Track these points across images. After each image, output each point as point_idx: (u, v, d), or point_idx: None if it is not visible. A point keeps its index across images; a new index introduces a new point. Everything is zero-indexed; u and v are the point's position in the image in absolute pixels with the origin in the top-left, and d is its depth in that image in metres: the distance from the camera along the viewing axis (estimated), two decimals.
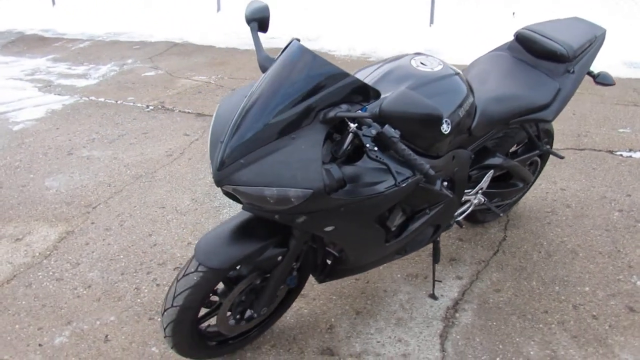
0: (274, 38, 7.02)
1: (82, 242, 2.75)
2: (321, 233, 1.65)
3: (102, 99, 4.92)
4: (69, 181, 3.39)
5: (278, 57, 1.59)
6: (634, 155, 3.48)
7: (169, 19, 7.79)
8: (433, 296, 2.27)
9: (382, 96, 1.57)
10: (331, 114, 1.47)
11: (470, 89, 1.90)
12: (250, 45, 6.81)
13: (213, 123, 1.63)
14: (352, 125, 1.47)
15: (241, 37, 7.14)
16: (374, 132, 1.52)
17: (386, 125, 1.49)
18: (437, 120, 1.27)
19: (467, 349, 2.01)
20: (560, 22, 2.40)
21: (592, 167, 3.34)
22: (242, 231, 1.69)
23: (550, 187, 3.11)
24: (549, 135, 2.53)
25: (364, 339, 2.07)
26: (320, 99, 1.47)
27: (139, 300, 2.32)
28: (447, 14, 6.74)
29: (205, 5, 8.02)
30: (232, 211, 2.98)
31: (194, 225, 2.86)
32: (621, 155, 3.50)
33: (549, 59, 2.20)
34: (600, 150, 3.57)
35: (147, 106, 4.69)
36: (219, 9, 7.90)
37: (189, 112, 4.52)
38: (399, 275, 2.41)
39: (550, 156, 2.71)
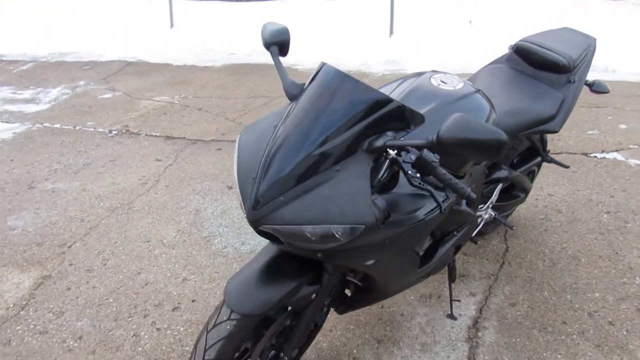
0: (233, 54, 6.89)
1: (62, 287, 2.51)
2: (361, 267, 1.55)
3: (58, 125, 4.60)
4: (35, 219, 3.11)
5: (310, 84, 1.49)
6: (606, 156, 3.60)
7: (118, 36, 7.45)
8: (452, 316, 2.21)
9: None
10: (378, 142, 1.37)
11: (492, 105, 1.86)
12: (210, 62, 6.63)
13: (237, 157, 1.51)
14: (392, 152, 1.39)
15: (198, 54, 6.94)
16: (413, 157, 1.44)
17: (425, 150, 1.42)
18: (503, 144, 1.21)
19: None
20: (554, 32, 2.43)
21: (572, 170, 3.41)
22: (272, 271, 1.57)
23: (538, 193, 3.15)
24: (546, 144, 2.55)
25: None
26: (365, 127, 1.38)
27: (140, 348, 2.13)
28: (406, 24, 6.82)
29: (157, 21, 7.74)
30: (223, 240, 2.83)
31: (185, 259, 2.68)
32: (595, 157, 3.60)
33: (551, 69, 2.22)
34: (575, 153, 3.66)
35: (110, 131, 4.43)
36: (172, 25, 7.65)
37: (156, 136, 4.29)
38: (412, 297, 2.35)
39: None
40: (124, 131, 4.41)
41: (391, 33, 6.73)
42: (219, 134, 4.27)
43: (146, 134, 4.33)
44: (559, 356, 2.01)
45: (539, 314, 2.23)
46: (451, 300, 2.22)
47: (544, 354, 2.02)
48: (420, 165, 1.43)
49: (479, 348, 2.06)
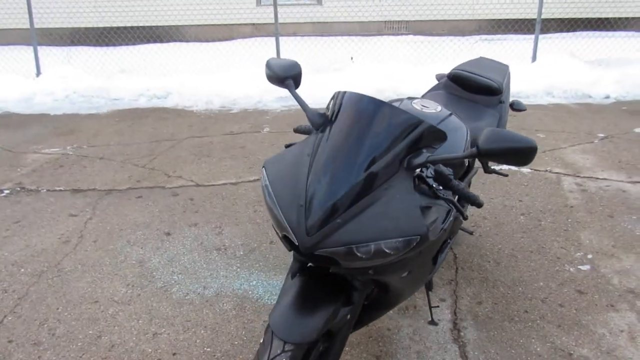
0: (117, 99, 6.55)
1: None
2: (396, 280, 1.63)
3: None
4: None
5: (339, 111, 1.55)
6: (502, 167, 4.13)
7: None
8: (433, 322, 2.37)
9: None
10: (419, 160, 1.48)
11: (466, 125, 2.09)
12: (93, 109, 6.23)
13: (272, 189, 1.51)
14: (417, 170, 1.52)
15: (76, 101, 6.49)
16: (432, 173, 1.59)
17: (440, 165, 1.58)
18: (535, 150, 1.39)
19: (486, 358, 2.15)
20: (477, 61, 2.80)
21: (481, 181, 3.87)
22: (309, 298, 1.57)
23: None
24: None
25: None
26: (405, 147, 1.49)
27: None
28: None
29: (21, 70, 7.06)
30: (182, 288, 2.68)
31: (148, 313, 2.49)
32: (494, 168, 4.11)
33: (484, 93, 2.55)
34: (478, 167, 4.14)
35: (1, 190, 3.92)
36: (38, 73, 7.03)
37: (61, 190, 3.91)
38: (392, 312, 2.46)
39: None
40: (19, 189, 3.94)
41: None
42: (133, 182, 4.03)
43: (48, 190, 3.92)
44: (533, 340, 2.26)
45: (503, 307, 2.49)
46: (430, 307, 2.37)
47: (521, 341, 2.26)
48: (438, 178, 1.59)
49: (467, 346, 2.24)
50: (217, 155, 4.58)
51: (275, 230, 1.57)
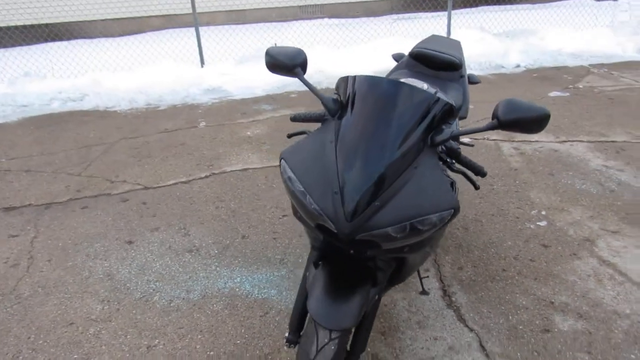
0: (27, 105, 6.00)
1: None
2: (419, 255, 1.66)
3: None
4: None
5: (354, 97, 1.54)
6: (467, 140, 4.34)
7: None
8: (425, 292, 2.44)
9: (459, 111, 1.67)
10: (442, 136, 1.51)
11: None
12: (1, 119, 5.64)
13: (299, 180, 1.47)
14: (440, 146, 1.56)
15: None
16: (444, 148, 1.64)
17: (450, 141, 1.64)
18: (548, 118, 1.47)
19: (485, 319, 2.28)
20: (434, 39, 2.90)
21: None
22: (341, 284, 1.57)
23: None
24: None
25: (410, 351, 2.12)
26: (427, 125, 1.51)
27: None
28: (214, 55, 6.92)
29: None
30: (164, 295, 2.55)
31: (134, 327, 2.34)
32: (462, 140, 4.31)
33: (447, 69, 2.65)
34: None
35: None
36: None
37: None
38: None
39: None
40: None
41: (202, 64, 6.74)
42: (73, 192, 3.74)
43: None
44: (517, 295, 2.43)
45: (482, 269, 2.64)
46: (420, 278, 2.46)
47: (507, 297, 2.42)
48: (450, 153, 1.64)
49: (461, 310, 2.35)
50: (158, 155, 4.36)
51: (303, 221, 1.54)
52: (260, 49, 6.97)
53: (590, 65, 6.63)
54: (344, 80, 1.63)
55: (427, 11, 8.99)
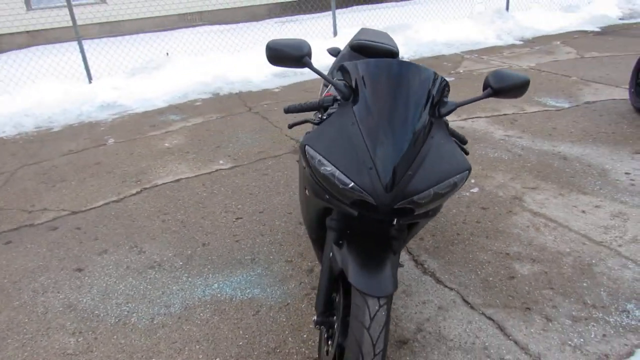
0: None
1: None
2: (428, 219, 1.81)
3: None
4: None
5: (364, 80, 1.63)
6: None
7: None
8: (400, 265, 2.64)
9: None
10: (448, 107, 1.67)
11: None
12: None
13: (332, 162, 1.53)
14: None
15: None
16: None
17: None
18: (528, 84, 1.72)
19: (459, 277, 2.52)
20: (366, 31, 3.07)
21: None
22: (372, 255, 1.66)
23: None
24: None
25: (406, 317, 2.28)
26: (435, 98, 1.65)
27: None
28: (101, 69, 6.50)
29: None
30: (142, 315, 2.42)
31: (122, 351, 2.20)
32: None
33: (385, 57, 2.85)
34: None
35: None
36: None
37: None
38: None
39: None
40: None
41: (90, 79, 6.30)
42: None
43: None
44: (477, 253, 2.72)
45: (440, 237, 2.90)
46: None
47: (470, 256, 2.69)
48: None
49: (436, 274, 2.57)
50: (73, 177, 4.03)
51: (336, 201, 1.60)
52: (152, 60, 6.70)
53: (462, 52, 7.41)
54: (348, 68, 1.72)
55: (305, 13, 9.31)
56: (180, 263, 2.81)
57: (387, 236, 1.75)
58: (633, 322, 2.19)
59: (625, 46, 7.12)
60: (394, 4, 9.64)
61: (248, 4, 9.25)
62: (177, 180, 3.82)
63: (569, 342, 2.10)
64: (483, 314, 2.29)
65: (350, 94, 1.66)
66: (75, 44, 6.55)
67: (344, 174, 1.52)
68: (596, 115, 4.53)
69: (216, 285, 2.60)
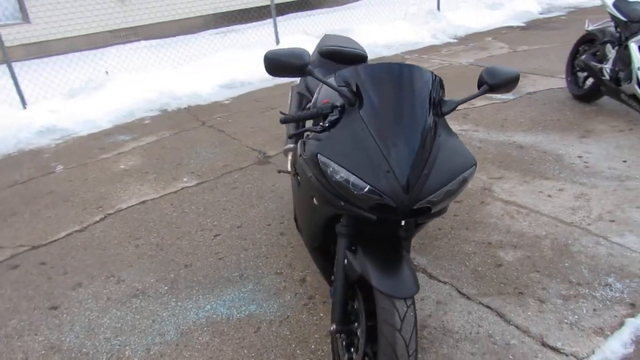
0: None
1: None
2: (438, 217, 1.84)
3: None
4: None
5: (367, 85, 1.63)
6: None
7: None
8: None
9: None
10: (449, 105, 1.70)
11: None
12: None
13: (348, 169, 1.53)
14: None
15: None
16: None
17: None
18: (519, 78, 1.80)
19: (450, 271, 2.59)
20: (329, 38, 3.08)
21: None
22: (389, 259, 1.68)
23: None
24: None
25: None
26: (436, 98, 1.68)
27: None
28: (35, 93, 6.12)
29: None
30: (134, 347, 2.30)
31: None
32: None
33: (356, 61, 2.87)
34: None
35: None
36: None
37: None
38: None
39: None
40: None
41: (24, 104, 5.91)
42: None
43: None
44: (462, 245, 2.80)
45: (423, 233, 2.96)
46: None
47: (456, 249, 2.77)
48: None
49: (427, 269, 2.63)
50: (25, 210, 3.76)
51: (353, 207, 1.60)
52: (91, 79, 6.40)
53: (402, 53, 7.63)
54: (350, 72, 1.73)
55: (242, 23, 9.25)
56: (165, 288, 2.69)
57: (396, 237, 1.77)
58: (617, 295, 2.33)
59: (550, 38, 7.61)
60: (330, 9, 9.78)
61: (182, 16, 9.06)
62: (143, 203, 3.66)
63: (565, 321, 2.21)
64: (480, 303, 2.36)
65: (356, 100, 1.66)
66: (2, 67, 6.13)
67: (362, 179, 1.52)
68: (540, 105, 4.81)
69: (209, 306, 2.52)
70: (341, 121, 1.67)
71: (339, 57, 2.86)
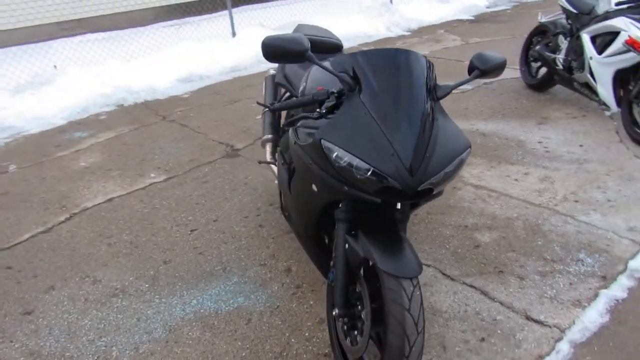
0: None
1: None
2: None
3: None
4: None
5: (368, 69, 1.65)
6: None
7: None
8: None
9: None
10: (444, 90, 1.74)
11: None
12: None
13: (353, 152, 1.54)
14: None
15: None
16: None
17: None
18: (506, 63, 1.87)
19: (432, 254, 2.66)
20: (304, 27, 3.07)
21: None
22: (391, 241, 1.71)
23: None
24: None
25: None
26: (430, 83, 1.72)
27: None
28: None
29: None
30: (125, 346, 2.23)
31: None
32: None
33: (332, 51, 2.88)
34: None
35: None
36: None
37: None
38: None
39: None
40: None
41: None
42: None
43: None
44: (440, 229, 2.88)
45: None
46: None
47: (434, 233, 2.85)
48: None
49: None
50: None
51: (357, 191, 1.61)
52: (38, 74, 6.08)
53: (359, 45, 7.69)
54: (348, 58, 1.74)
55: (194, 15, 9.03)
56: (146, 285, 2.62)
57: (392, 220, 1.81)
58: (589, 269, 2.48)
59: (499, 31, 7.90)
60: (286, 1, 9.70)
61: (131, 8, 8.73)
62: (110, 200, 3.53)
63: (545, 295, 2.33)
64: (464, 283, 2.44)
65: (356, 85, 1.68)
66: None
67: (367, 163, 1.55)
68: (497, 94, 5.00)
69: (195, 301, 2.47)
70: (342, 107, 1.69)
71: (316, 46, 2.85)
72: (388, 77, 1.66)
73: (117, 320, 2.39)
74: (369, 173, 1.55)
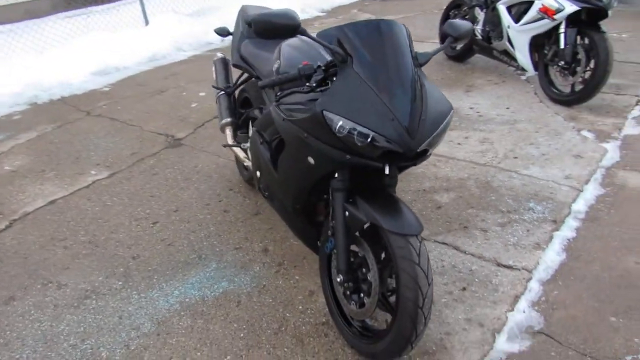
0: None
1: None
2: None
3: None
4: None
5: (357, 41, 1.69)
6: None
7: None
8: None
9: None
10: (425, 56, 1.83)
11: None
12: None
13: (354, 119, 1.60)
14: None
15: None
16: None
17: None
18: (473, 30, 2.00)
19: None
20: (251, 7, 3.02)
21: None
22: (388, 202, 1.80)
23: None
24: None
25: None
26: (412, 50, 1.80)
27: None
28: None
29: None
30: (112, 345, 2.14)
31: None
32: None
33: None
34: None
35: None
36: None
37: None
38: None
39: None
40: None
41: None
42: None
43: None
44: (400, 194, 3.02)
45: None
46: None
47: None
48: None
49: None
50: None
51: (360, 158, 1.67)
52: None
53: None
54: (336, 31, 1.77)
55: (96, 4, 8.48)
56: (120, 283, 2.51)
57: (383, 185, 1.90)
58: (540, 215, 2.75)
59: (410, 7, 8.25)
60: None
61: (21, 0, 8.02)
62: (52, 202, 3.30)
63: (509, 243, 2.56)
64: (436, 241, 2.61)
65: (347, 57, 1.73)
66: None
67: (371, 129, 1.61)
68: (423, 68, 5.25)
69: (177, 291, 2.42)
70: (337, 78, 1.73)
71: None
72: (377, 46, 1.73)
73: (96, 321, 2.28)
74: (373, 139, 1.61)
